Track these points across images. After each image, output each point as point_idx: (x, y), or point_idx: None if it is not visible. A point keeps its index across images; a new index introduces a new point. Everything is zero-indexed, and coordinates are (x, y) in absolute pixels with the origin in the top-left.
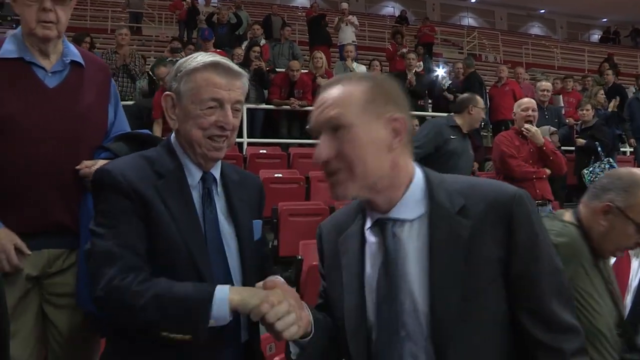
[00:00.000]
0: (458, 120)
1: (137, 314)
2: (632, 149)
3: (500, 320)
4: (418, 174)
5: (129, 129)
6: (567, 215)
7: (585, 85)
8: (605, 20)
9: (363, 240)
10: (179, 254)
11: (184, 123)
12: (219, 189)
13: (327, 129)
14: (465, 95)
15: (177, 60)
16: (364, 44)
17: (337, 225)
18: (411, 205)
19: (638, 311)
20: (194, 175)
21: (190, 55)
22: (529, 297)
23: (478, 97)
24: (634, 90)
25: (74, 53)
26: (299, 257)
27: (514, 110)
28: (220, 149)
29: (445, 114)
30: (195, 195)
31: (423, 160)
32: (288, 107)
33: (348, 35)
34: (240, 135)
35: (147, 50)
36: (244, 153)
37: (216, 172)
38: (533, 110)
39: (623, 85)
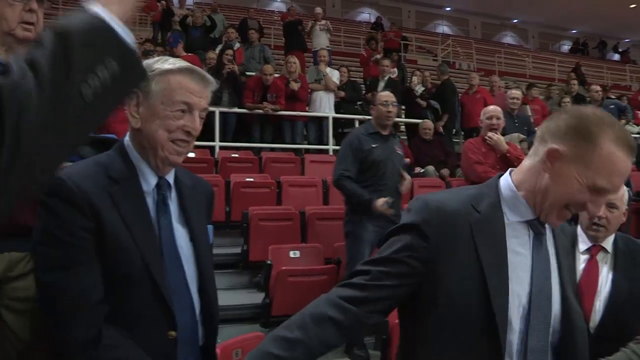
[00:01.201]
0: (373, 122)
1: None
2: None
3: None
4: None
5: (92, 133)
6: None
7: (550, 94)
8: (574, 31)
9: (504, 229)
10: (135, 264)
11: (149, 122)
12: (173, 194)
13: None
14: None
15: None
16: (339, 50)
17: (460, 210)
18: None
19: (612, 320)
20: (149, 181)
21: (160, 58)
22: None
23: (378, 95)
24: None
25: None
26: (269, 262)
27: (481, 118)
28: (182, 153)
29: (419, 121)
30: (150, 202)
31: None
32: (261, 111)
33: (322, 40)
34: (212, 139)
35: None
36: (216, 157)
37: (170, 177)
38: (497, 119)
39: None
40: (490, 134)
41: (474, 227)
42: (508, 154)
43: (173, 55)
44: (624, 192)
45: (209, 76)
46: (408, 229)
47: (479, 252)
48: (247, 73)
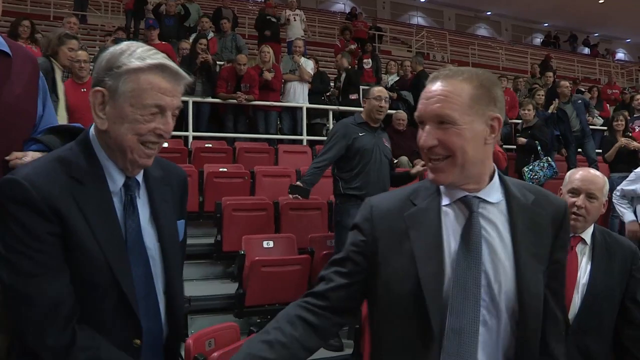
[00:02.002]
0: (364, 115)
1: None
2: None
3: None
4: (494, 166)
5: (57, 123)
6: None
7: (518, 86)
8: (547, 24)
9: (439, 216)
10: (100, 270)
11: (116, 125)
12: (142, 191)
13: (434, 120)
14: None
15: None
16: (314, 40)
17: (396, 206)
18: (494, 191)
19: (589, 312)
20: (116, 181)
21: (127, 48)
22: (556, 278)
23: (372, 89)
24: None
25: (0, 42)
26: (242, 252)
27: None
28: (152, 155)
29: (393, 112)
30: (116, 202)
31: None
32: (234, 101)
33: (297, 30)
34: (185, 129)
35: (92, 40)
36: (189, 147)
37: (139, 175)
38: None
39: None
40: None
41: (408, 219)
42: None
43: (147, 42)
44: (605, 183)
45: (181, 71)
46: (352, 228)
47: (411, 242)
48: (219, 63)
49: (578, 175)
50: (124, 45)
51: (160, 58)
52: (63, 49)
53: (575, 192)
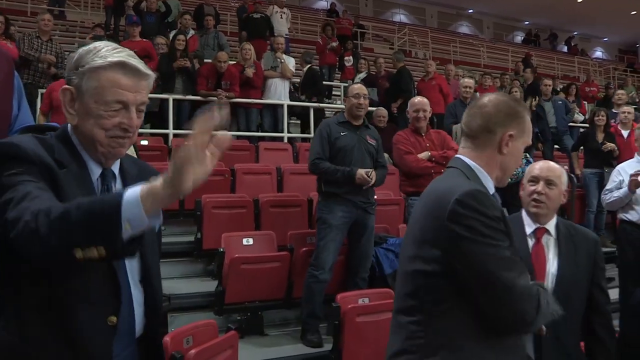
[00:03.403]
0: (345, 114)
1: (47, 236)
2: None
3: None
4: None
5: (33, 123)
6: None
7: (503, 82)
8: (527, 23)
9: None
10: None
11: (84, 121)
12: (118, 184)
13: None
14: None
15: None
16: (296, 37)
17: None
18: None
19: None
20: (94, 172)
21: (94, 47)
22: None
23: (352, 87)
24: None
25: None
26: (221, 250)
27: (408, 109)
28: (124, 145)
29: (373, 109)
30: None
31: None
32: (215, 98)
33: (282, 28)
34: (166, 127)
35: (71, 37)
36: (170, 145)
37: (115, 168)
38: (424, 111)
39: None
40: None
41: None
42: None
43: (128, 39)
44: (562, 173)
45: (142, 67)
46: None
47: None
48: (207, 60)
49: (537, 165)
50: (93, 44)
51: (122, 56)
52: None
53: (534, 179)
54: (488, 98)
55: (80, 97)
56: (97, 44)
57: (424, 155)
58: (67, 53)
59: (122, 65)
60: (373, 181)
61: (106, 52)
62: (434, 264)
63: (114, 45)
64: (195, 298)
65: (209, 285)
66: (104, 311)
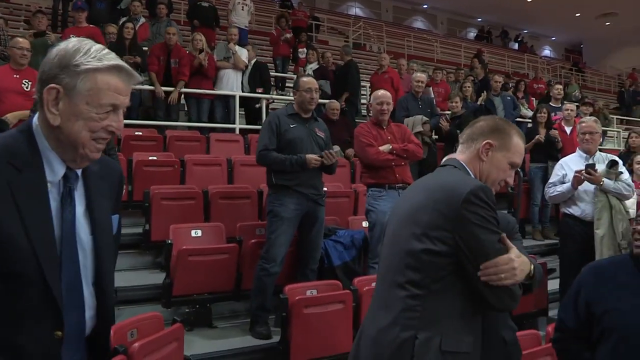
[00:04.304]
0: (295, 106)
1: None
2: None
3: None
4: None
5: None
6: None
7: (458, 77)
8: (480, 19)
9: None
10: (25, 259)
11: (70, 122)
12: (79, 184)
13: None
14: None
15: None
16: (251, 28)
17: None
18: None
19: None
20: (56, 172)
21: (80, 46)
22: None
23: (303, 81)
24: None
25: None
26: (169, 242)
27: (371, 102)
28: (101, 150)
29: (326, 101)
30: (54, 193)
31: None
32: (165, 88)
33: (242, 19)
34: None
35: (15, 20)
36: (119, 135)
37: (78, 168)
38: (387, 104)
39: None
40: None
41: None
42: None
43: (78, 24)
44: None
45: (134, 72)
46: None
47: None
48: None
49: None
50: (75, 42)
51: (114, 58)
52: None
53: None
54: (484, 118)
55: (69, 97)
56: (79, 41)
57: (386, 147)
58: (10, 37)
59: (118, 69)
60: (335, 159)
61: (98, 53)
62: (440, 244)
63: (100, 46)
64: (143, 290)
65: (158, 278)
66: (50, 326)
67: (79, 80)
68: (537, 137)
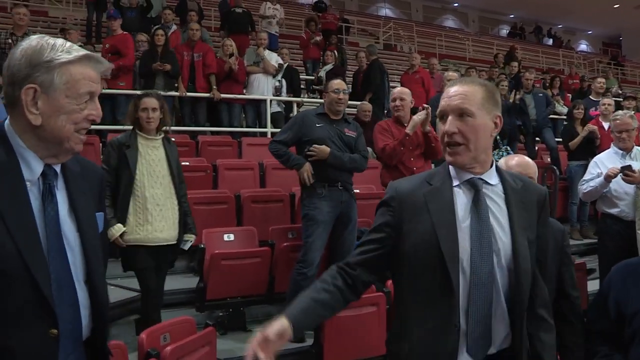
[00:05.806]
0: (325, 107)
1: None
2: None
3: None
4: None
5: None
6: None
7: (492, 75)
8: (512, 16)
9: (452, 193)
10: (10, 260)
11: (52, 118)
12: (60, 182)
13: (455, 113)
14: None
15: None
16: (281, 32)
17: (416, 186)
18: (493, 175)
19: None
20: (34, 170)
21: (44, 43)
22: (543, 251)
23: (331, 82)
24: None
25: None
26: (202, 246)
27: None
28: (84, 141)
29: (358, 103)
30: (35, 192)
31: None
32: (194, 94)
33: (272, 26)
34: None
35: (53, 34)
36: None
37: (57, 165)
38: (401, 100)
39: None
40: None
41: (426, 196)
42: (429, 134)
43: (113, 32)
44: (536, 170)
45: (102, 59)
46: (380, 205)
47: (430, 213)
48: None
49: (514, 162)
50: (36, 40)
51: (81, 49)
52: None
53: None
54: None
55: (47, 94)
56: (39, 38)
57: (420, 115)
58: None
59: (88, 58)
60: (325, 154)
61: (64, 47)
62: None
63: (62, 40)
64: (177, 295)
65: (192, 282)
66: (44, 324)
67: (55, 75)
68: (588, 125)
